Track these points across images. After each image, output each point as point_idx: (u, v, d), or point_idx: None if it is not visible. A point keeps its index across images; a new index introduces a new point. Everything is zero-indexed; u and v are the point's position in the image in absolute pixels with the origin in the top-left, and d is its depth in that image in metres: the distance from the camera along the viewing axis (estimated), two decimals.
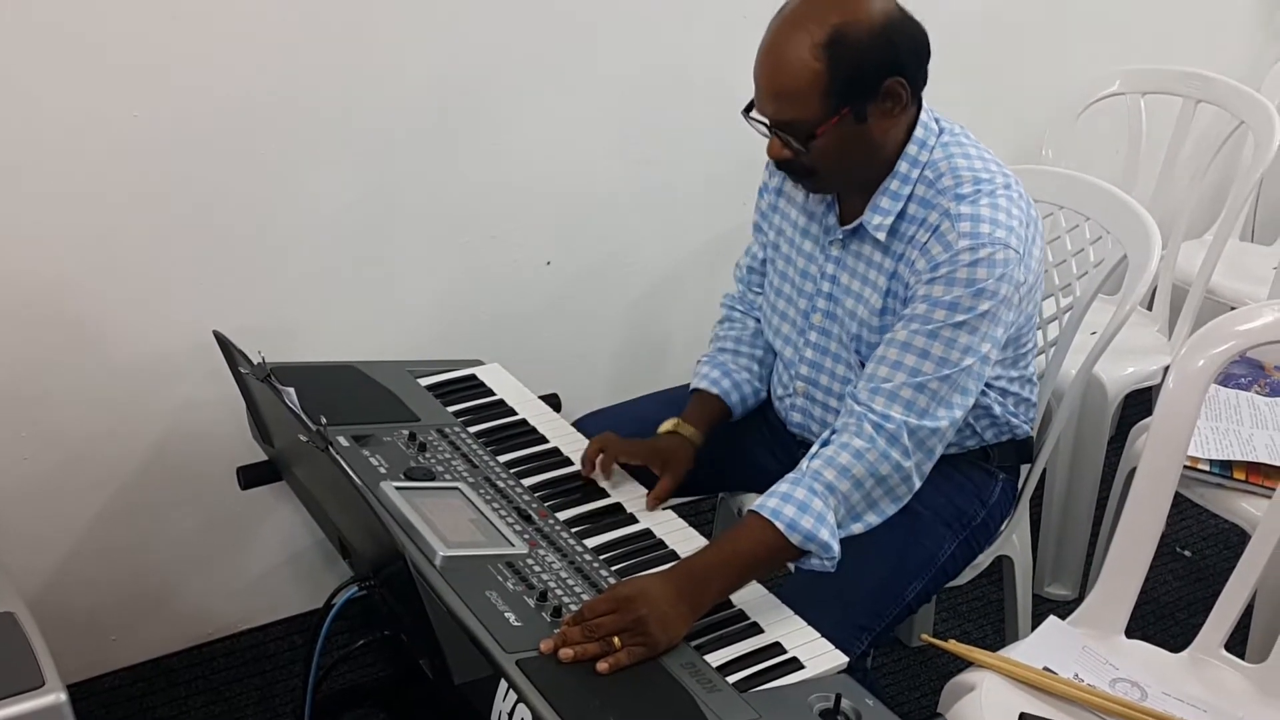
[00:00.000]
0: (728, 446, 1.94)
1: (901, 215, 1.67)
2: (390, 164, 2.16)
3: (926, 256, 1.63)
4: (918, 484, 1.66)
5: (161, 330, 2.07)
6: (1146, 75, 2.68)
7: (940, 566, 1.77)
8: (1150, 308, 2.64)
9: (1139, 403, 2.60)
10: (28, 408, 2.02)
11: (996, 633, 2.37)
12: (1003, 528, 1.94)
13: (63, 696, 1.40)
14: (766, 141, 1.65)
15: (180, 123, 1.96)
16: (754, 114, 1.64)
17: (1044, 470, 2.03)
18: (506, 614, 1.46)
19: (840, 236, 1.75)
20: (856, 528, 1.63)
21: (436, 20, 2.10)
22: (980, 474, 1.85)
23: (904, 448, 1.62)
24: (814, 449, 1.64)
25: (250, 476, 1.95)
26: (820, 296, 1.80)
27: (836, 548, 1.58)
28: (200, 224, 2.04)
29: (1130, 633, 1.73)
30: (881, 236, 1.68)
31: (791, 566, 1.65)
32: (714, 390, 1.91)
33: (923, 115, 1.67)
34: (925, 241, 1.64)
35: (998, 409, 1.81)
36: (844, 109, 1.57)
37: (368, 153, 2.13)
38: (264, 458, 1.96)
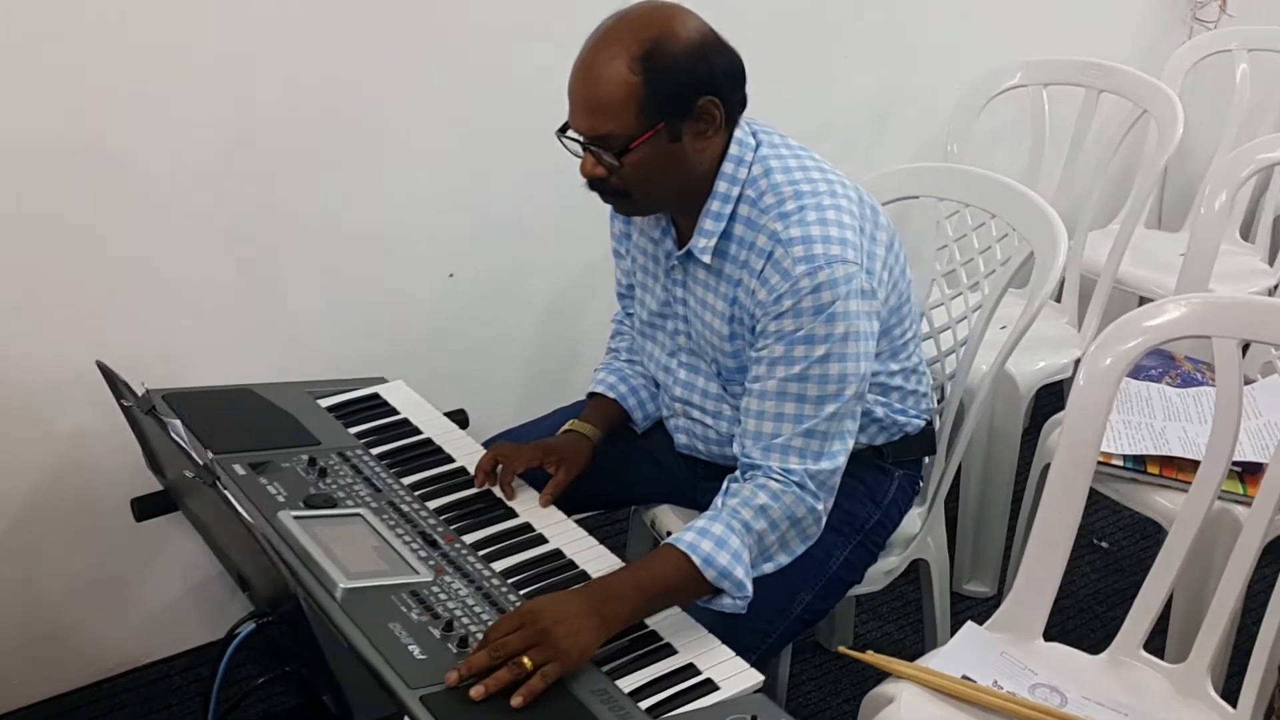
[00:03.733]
0: (638, 456, 1.91)
1: (728, 236, 1.65)
2: (279, 181, 2.10)
3: (766, 286, 1.60)
4: (825, 520, 1.65)
5: (46, 359, 2.00)
6: (1048, 66, 2.69)
7: (833, 575, 1.75)
8: (1059, 299, 2.65)
9: (1051, 394, 2.61)
10: None
11: (918, 635, 2.36)
12: (914, 527, 1.92)
13: None
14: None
15: (58, 141, 1.89)
16: (569, 133, 1.61)
17: (959, 467, 2.02)
18: (410, 647, 1.41)
19: (676, 261, 1.73)
20: (768, 567, 1.61)
21: (320, 35, 2.05)
22: (872, 473, 1.82)
23: (812, 492, 1.61)
24: (727, 486, 1.63)
25: (145, 508, 1.88)
26: (679, 320, 1.78)
27: (750, 587, 1.55)
28: (86, 248, 1.98)
29: (1050, 629, 1.71)
30: (707, 259, 1.66)
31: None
32: (610, 394, 1.89)
33: (738, 132, 1.65)
34: (761, 269, 1.61)
35: (880, 410, 1.79)
36: (659, 124, 1.56)
37: (254, 172, 2.07)
38: (159, 488, 1.88)
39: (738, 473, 1.64)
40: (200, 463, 1.49)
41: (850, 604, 2.29)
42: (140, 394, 1.65)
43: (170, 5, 1.91)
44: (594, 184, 1.63)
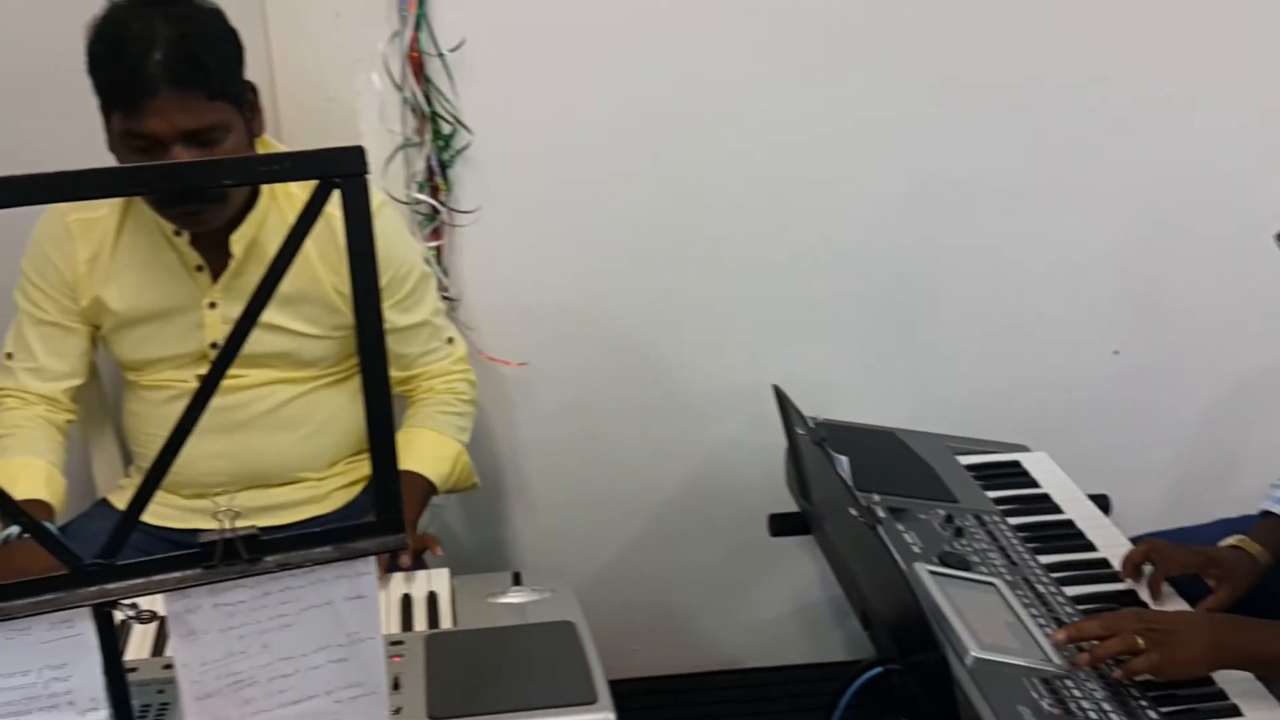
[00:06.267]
0: None
1: None
2: (944, 240, 2.18)
3: None
4: None
5: (718, 373, 2.20)
6: None
7: None
8: None
9: None
10: (589, 422, 2.22)
11: None
12: None
13: (611, 716, 1.39)
14: None
15: (754, 185, 2.11)
16: None
17: None
18: None
19: None
20: None
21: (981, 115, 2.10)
22: None
23: None
24: None
25: (780, 525, 1.99)
26: None
27: None
28: (766, 282, 2.18)
29: None
30: None
31: None
32: None
33: None
34: None
35: None
36: None
37: (919, 229, 2.16)
38: (793, 508, 1.98)
39: None
40: (864, 504, 1.54)
41: None
42: (812, 425, 1.74)
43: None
44: None
